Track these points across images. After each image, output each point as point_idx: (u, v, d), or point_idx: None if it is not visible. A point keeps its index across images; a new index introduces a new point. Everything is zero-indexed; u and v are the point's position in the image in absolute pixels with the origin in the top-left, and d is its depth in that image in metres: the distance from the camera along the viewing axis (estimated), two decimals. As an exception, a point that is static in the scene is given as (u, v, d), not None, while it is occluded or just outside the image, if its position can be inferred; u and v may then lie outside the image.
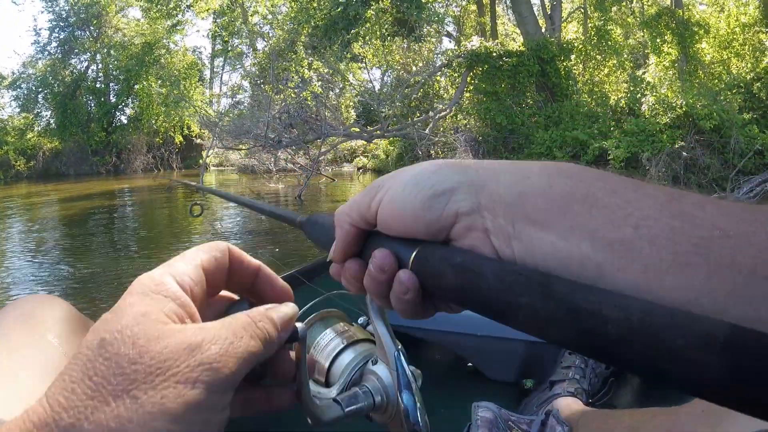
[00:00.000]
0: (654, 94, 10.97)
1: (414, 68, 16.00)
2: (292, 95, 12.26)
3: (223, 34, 23.48)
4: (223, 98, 26.85)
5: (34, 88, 22.87)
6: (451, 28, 19.57)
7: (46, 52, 23.13)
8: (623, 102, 11.62)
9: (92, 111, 23.00)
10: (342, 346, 0.60)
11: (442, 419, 1.31)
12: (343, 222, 0.46)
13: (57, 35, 22.93)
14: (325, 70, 13.92)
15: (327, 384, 0.60)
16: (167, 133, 23.20)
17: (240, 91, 23.17)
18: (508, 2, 17.62)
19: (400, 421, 0.50)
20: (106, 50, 22.61)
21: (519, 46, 13.59)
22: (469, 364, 1.54)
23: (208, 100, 25.36)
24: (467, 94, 13.40)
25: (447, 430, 1.19)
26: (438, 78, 15.16)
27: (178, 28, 21.77)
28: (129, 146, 22.43)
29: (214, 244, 0.42)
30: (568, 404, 1.20)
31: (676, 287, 0.28)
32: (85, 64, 23.48)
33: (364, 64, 15.36)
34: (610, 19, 14.48)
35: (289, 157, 12.51)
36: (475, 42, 13.42)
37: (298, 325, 0.43)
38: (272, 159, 12.73)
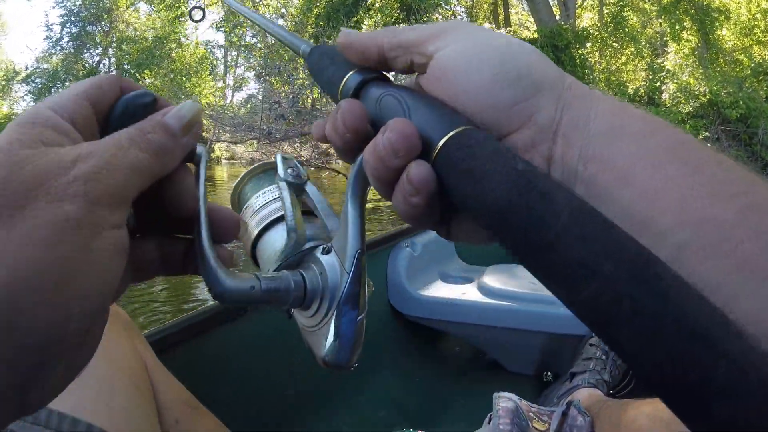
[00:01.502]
0: (675, 81, 10.66)
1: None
2: (303, 86, 12.15)
3: (227, 26, 23.54)
4: (235, 92, 26.97)
5: (47, 82, 23.01)
6: (464, 18, 19.40)
7: (59, 47, 23.23)
8: (642, 90, 11.33)
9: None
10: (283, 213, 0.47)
11: (463, 410, 1.33)
12: (364, 50, 0.36)
13: (69, 30, 23.05)
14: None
15: (252, 257, 0.50)
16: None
17: (246, 82, 23.26)
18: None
19: (325, 336, 0.38)
20: (117, 44, 22.60)
21: (532, 34, 13.18)
22: (489, 356, 1.54)
23: (219, 93, 25.45)
24: None
25: (468, 421, 1.15)
26: None
27: (181, 20, 21.59)
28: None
29: (101, 75, 0.32)
30: (589, 395, 1.18)
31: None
32: (97, 58, 23.49)
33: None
34: (627, 4, 14.16)
35: (295, 150, 12.35)
36: None
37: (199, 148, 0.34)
38: (277, 153, 12.65)
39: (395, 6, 14.52)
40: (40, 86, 23.25)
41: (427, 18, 13.33)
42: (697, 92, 9.64)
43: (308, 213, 0.49)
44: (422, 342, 1.62)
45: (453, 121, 0.30)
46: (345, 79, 0.37)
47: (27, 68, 24.10)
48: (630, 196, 0.27)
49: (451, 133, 0.29)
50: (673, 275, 0.20)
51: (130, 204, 0.27)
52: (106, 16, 22.46)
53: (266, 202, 0.49)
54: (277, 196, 0.49)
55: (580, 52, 12.76)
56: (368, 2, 14.40)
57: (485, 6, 19.61)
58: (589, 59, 13.32)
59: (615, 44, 14.05)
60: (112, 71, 23.32)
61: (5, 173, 0.24)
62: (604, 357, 1.30)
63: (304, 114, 11.47)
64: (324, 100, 11.82)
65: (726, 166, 0.26)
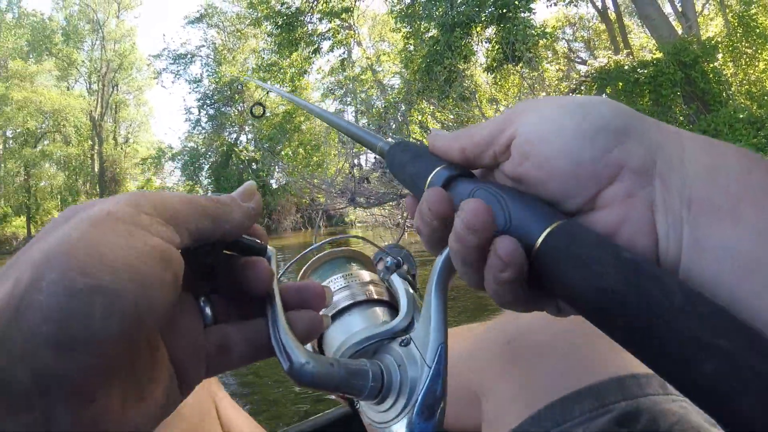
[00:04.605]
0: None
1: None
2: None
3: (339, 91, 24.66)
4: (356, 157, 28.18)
5: (192, 159, 25.87)
6: (585, 55, 18.95)
7: (200, 127, 26.14)
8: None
9: (244, 177, 25.38)
10: (358, 299, 0.47)
11: None
12: (449, 148, 0.37)
13: (206, 112, 25.89)
14: (450, 116, 13.63)
15: (319, 346, 0.48)
16: (312, 194, 24.59)
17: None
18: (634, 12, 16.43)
19: None
20: (251, 122, 24.90)
21: (654, 54, 12.50)
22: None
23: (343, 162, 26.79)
24: None
25: None
26: None
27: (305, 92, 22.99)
28: (279, 208, 24.51)
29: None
30: None
31: None
32: (234, 135, 26.16)
33: (474, 102, 14.32)
34: (752, 1, 12.97)
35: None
36: (602, 59, 12.48)
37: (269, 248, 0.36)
38: (400, 213, 12.82)
39: (497, 48, 14.04)
40: (185, 162, 26.13)
41: (532, 53, 12.71)
42: None
43: (384, 302, 0.49)
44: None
45: (553, 214, 0.30)
46: (432, 175, 0.37)
47: (171, 147, 27.56)
48: (736, 236, 0.25)
49: (558, 223, 0.29)
50: None
51: (186, 233, 0.28)
52: (237, 97, 24.86)
53: (336, 289, 0.48)
54: (344, 285, 0.48)
55: (711, 65, 11.90)
56: (461, 46, 13.86)
57: (603, 37, 19.08)
58: (723, 72, 12.36)
59: (749, 50, 12.91)
60: (249, 146, 25.66)
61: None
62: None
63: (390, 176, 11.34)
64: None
65: None
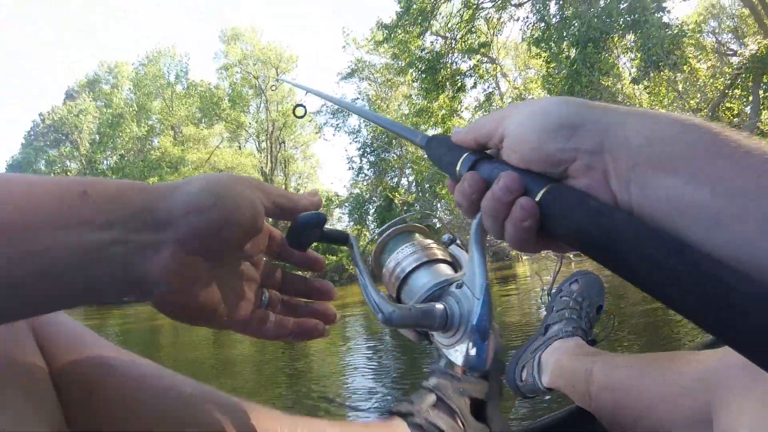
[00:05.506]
0: None
1: (690, 103, 12.01)
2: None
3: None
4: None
5: (358, 205, 27.10)
6: (736, 46, 17.31)
7: (363, 174, 27.33)
8: None
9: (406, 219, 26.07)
10: (423, 260, 0.60)
11: None
12: (466, 139, 0.50)
13: (367, 159, 27.03)
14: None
15: (397, 296, 0.61)
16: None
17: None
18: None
19: (465, 349, 0.48)
20: (409, 165, 25.57)
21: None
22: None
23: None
24: (767, 112, 10.46)
25: None
26: (726, 104, 11.81)
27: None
28: (444, 247, 24.28)
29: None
30: (576, 344, 1.17)
31: None
32: (396, 179, 27.05)
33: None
34: None
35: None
36: (752, 46, 10.65)
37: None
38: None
39: (638, 56, 12.04)
40: (351, 208, 27.50)
41: (677, 55, 10.73)
42: None
43: (443, 261, 0.63)
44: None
45: (546, 180, 0.41)
46: (462, 160, 0.49)
47: (338, 195, 29.19)
48: (673, 184, 0.34)
49: (548, 186, 0.41)
50: (700, 253, 0.30)
51: (270, 201, 0.47)
52: (395, 143, 25.56)
53: (406, 255, 0.62)
54: (412, 251, 0.62)
55: None
56: (603, 60, 12.94)
57: (749, 22, 17.51)
58: None
59: None
60: (411, 188, 26.50)
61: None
62: (578, 307, 1.28)
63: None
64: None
65: (745, 146, 0.32)
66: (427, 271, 0.60)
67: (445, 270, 0.61)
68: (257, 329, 0.50)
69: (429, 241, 0.65)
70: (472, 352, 0.47)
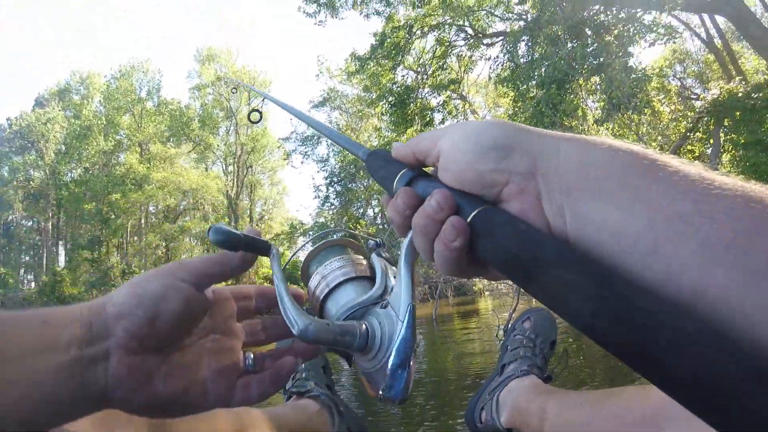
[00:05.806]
0: None
1: (653, 145, 11.91)
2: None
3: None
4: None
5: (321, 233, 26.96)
6: (700, 90, 17.97)
7: (329, 203, 26.79)
8: None
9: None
10: (350, 276, 0.58)
11: None
12: (406, 155, 0.48)
13: (333, 189, 26.56)
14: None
15: (320, 312, 0.58)
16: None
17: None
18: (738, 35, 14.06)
19: (383, 375, 0.46)
20: (375, 196, 25.18)
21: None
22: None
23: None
24: (727, 155, 10.56)
25: None
26: (688, 146, 12.04)
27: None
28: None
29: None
30: (531, 383, 1.17)
31: (735, 265, 0.26)
32: (362, 210, 26.83)
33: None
34: None
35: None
36: (714, 90, 10.72)
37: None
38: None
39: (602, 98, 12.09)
40: (315, 236, 27.37)
41: (638, 98, 10.82)
42: None
43: (367, 278, 0.58)
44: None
45: (479, 202, 0.40)
46: (399, 175, 0.48)
47: (303, 223, 28.53)
48: (607, 210, 0.33)
49: (480, 208, 0.40)
50: (628, 282, 0.29)
51: (202, 277, 0.48)
52: (362, 174, 25.83)
53: (332, 270, 0.59)
54: (340, 266, 0.58)
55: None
56: (568, 101, 13.18)
57: (713, 68, 18.32)
58: None
59: None
60: (376, 220, 26.51)
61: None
62: (531, 344, 1.28)
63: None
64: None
65: (681, 171, 0.32)
66: (352, 287, 0.57)
67: (371, 288, 0.56)
68: (245, 398, 0.49)
69: (359, 256, 0.62)
70: (390, 381, 0.45)
